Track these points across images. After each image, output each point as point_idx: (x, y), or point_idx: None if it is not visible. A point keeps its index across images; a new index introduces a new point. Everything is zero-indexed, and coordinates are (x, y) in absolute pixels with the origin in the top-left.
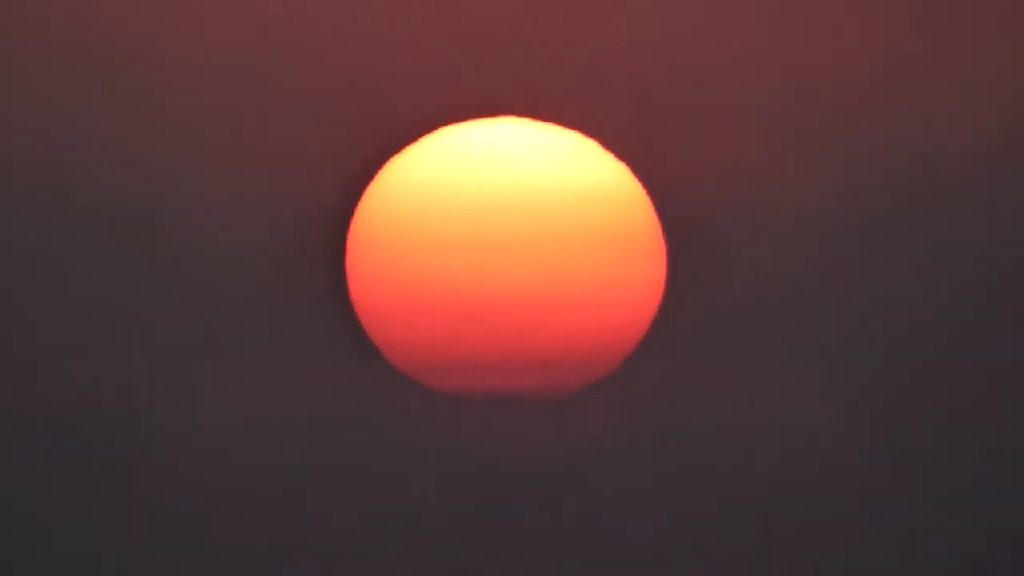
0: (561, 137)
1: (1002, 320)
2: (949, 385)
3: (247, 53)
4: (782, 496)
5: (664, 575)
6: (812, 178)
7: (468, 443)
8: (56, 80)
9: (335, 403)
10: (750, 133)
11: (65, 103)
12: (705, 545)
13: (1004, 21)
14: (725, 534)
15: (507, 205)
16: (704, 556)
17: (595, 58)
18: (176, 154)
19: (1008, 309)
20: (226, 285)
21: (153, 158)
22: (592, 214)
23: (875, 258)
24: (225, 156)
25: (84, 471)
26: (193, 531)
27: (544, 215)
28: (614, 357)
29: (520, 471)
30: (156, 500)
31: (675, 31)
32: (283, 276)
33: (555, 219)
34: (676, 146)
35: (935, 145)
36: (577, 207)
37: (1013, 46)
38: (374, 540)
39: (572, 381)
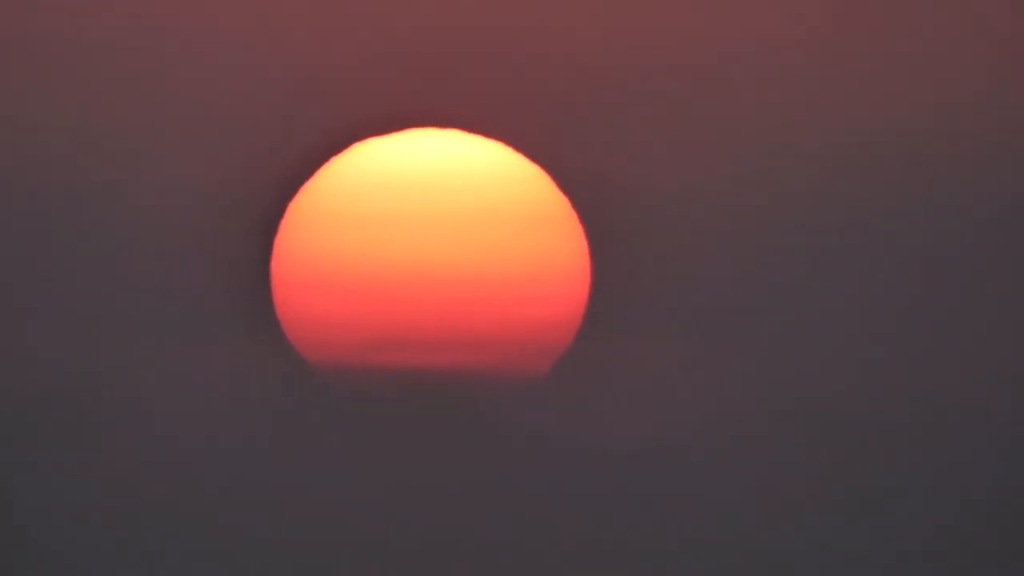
0: (480, 147)
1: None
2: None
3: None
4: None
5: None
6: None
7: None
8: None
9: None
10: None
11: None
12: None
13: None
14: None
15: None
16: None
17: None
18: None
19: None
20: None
21: (97, 151)
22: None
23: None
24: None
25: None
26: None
27: (461, 199)
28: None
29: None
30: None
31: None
32: (212, 269)
33: (471, 203)
34: (577, 140)
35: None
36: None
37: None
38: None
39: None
